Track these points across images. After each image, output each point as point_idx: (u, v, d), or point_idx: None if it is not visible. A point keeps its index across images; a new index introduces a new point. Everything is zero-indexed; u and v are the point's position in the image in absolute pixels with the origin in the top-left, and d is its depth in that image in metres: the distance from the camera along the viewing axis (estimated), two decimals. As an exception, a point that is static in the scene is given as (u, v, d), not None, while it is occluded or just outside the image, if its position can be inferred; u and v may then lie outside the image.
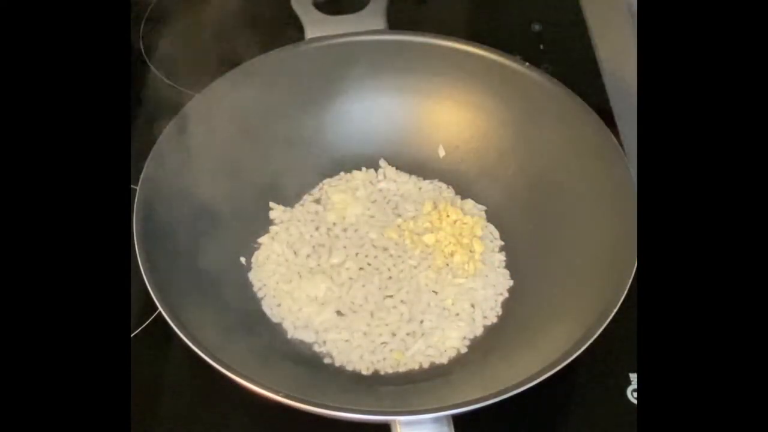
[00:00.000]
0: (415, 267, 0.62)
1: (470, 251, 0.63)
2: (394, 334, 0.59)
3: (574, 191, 0.61)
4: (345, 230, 0.64)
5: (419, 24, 0.75)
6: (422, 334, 0.59)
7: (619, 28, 0.81)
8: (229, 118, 0.64)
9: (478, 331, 0.59)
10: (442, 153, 0.68)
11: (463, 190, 0.67)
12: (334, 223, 0.65)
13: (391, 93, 0.68)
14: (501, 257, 0.63)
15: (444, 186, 0.67)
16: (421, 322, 0.59)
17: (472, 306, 0.60)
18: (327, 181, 0.67)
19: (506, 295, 0.61)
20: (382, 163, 0.68)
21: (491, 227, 0.64)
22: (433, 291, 0.61)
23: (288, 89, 0.66)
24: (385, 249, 0.63)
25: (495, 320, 0.60)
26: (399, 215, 0.65)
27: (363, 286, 0.61)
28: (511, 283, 0.62)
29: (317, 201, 0.66)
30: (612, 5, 0.84)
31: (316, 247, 0.63)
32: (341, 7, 0.70)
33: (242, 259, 0.62)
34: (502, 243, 0.64)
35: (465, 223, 0.64)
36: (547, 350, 0.50)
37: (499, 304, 0.61)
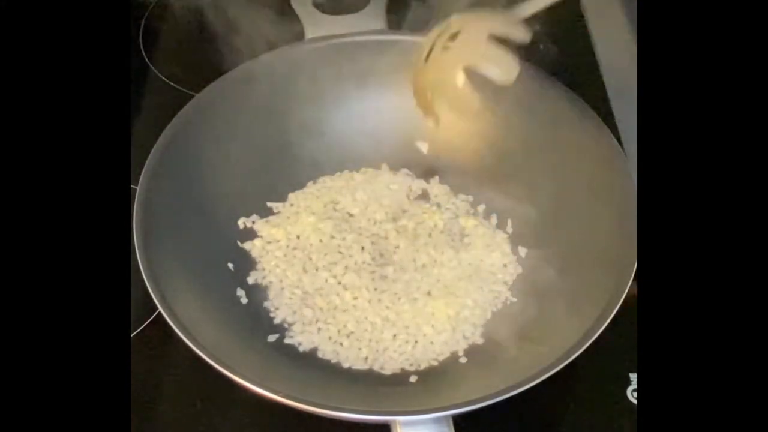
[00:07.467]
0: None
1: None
2: (394, 336, 0.59)
3: (574, 191, 0.61)
4: (346, 221, 0.65)
5: (419, 24, 0.75)
6: (424, 335, 0.59)
7: (619, 28, 0.81)
8: (228, 118, 0.64)
9: (478, 331, 0.59)
10: (442, 153, 0.68)
11: (463, 190, 0.67)
12: (337, 211, 0.65)
13: (391, 93, 0.68)
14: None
15: (444, 185, 0.67)
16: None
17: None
18: (326, 177, 0.68)
19: (505, 295, 0.61)
20: (383, 166, 0.68)
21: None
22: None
23: (287, 89, 0.66)
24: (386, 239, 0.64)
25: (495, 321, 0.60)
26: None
27: (365, 287, 0.61)
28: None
29: (317, 197, 0.66)
30: (612, 5, 0.84)
31: (316, 244, 0.63)
32: (341, 7, 0.70)
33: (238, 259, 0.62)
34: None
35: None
36: (547, 350, 0.50)
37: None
